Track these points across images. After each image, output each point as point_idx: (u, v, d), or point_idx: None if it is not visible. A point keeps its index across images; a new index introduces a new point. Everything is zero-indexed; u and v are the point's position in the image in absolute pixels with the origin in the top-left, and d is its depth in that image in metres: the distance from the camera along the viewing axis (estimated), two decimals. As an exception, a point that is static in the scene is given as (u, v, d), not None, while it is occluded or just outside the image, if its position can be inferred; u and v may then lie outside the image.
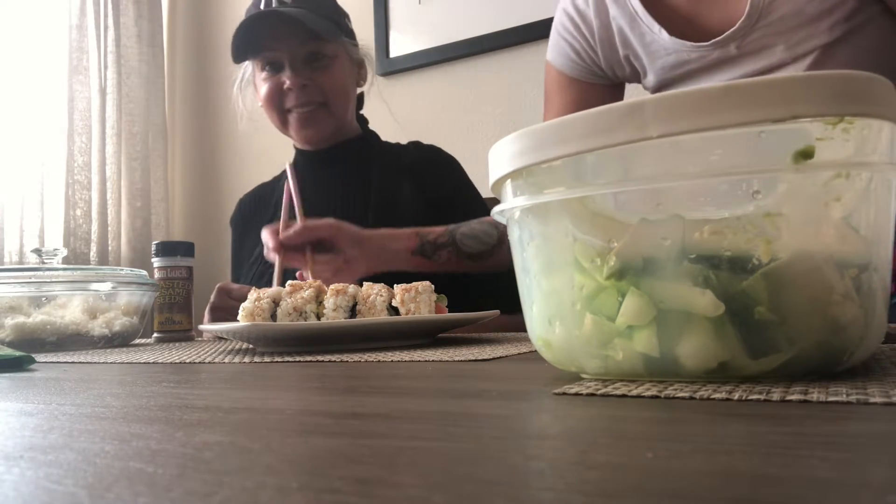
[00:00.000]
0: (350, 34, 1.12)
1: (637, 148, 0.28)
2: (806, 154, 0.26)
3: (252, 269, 1.11)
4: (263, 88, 1.07)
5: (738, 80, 0.27)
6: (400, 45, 1.83)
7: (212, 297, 0.95)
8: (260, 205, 1.21)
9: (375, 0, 1.85)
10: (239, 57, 1.08)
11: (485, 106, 1.73)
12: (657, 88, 0.89)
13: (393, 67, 1.82)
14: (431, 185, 1.12)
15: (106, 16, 2.05)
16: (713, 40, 0.78)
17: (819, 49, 0.74)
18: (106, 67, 2.04)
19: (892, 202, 0.29)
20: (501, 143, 0.33)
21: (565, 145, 0.29)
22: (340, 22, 1.10)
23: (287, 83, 1.04)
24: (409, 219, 1.05)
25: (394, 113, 1.32)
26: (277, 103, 1.07)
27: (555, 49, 0.96)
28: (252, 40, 1.04)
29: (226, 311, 0.92)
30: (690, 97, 0.27)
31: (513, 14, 1.67)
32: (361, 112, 1.20)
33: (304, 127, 1.07)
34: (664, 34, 0.81)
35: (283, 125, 1.09)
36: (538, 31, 1.63)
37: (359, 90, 1.17)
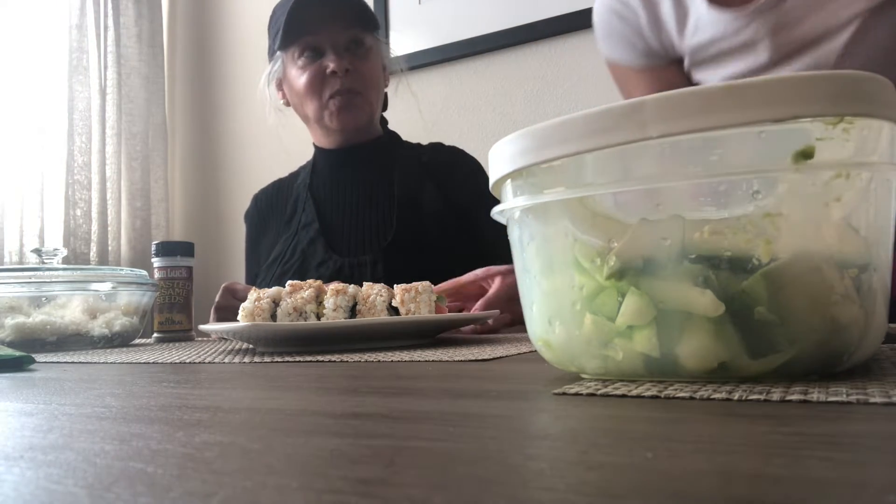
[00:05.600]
0: (380, 33, 1.14)
1: (637, 148, 0.28)
2: (806, 154, 0.26)
3: (272, 269, 1.11)
4: (303, 78, 1.07)
5: (738, 80, 0.27)
6: (400, 45, 1.83)
7: (217, 297, 0.95)
8: (276, 201, 1.20)
9: (375, 0, 1.85)
10: (285, 43, 1.07)
11: (485, 106, 1.73)
12: (688, 72, 0.87)
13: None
14: (454, 187, 1.12)
15: (106, 16, 2.05)
16: (753, 6, 0.76)
17: (862, 15, 0.71)
18: (106, 67, 2.04)
19: (892, 202, 0.29)
20: (501, 143, 0.33)
21: (565, 145, 0.29)
22: (376, 19, 1.13)
23: (331, 66, 1.04)
24: (433, 219, 1.05)
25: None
26: (319, 90, 1.07)
27: (608, 42, 0.92)
28: (301, 23, 1.05)
29: (231, 310, 0.92)
30: (690, 97, 0.27)
31: (513, 14, 1.67)
32: (383, 114, 1.21)
33: (343, 112, 1.07)
34: (703, 5, 0.79)
35: (321, 113, 1.08)
36: (538, 31, 1.63)
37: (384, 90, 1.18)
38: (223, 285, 0.96)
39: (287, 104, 1.15)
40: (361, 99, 1.08)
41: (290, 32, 1.06)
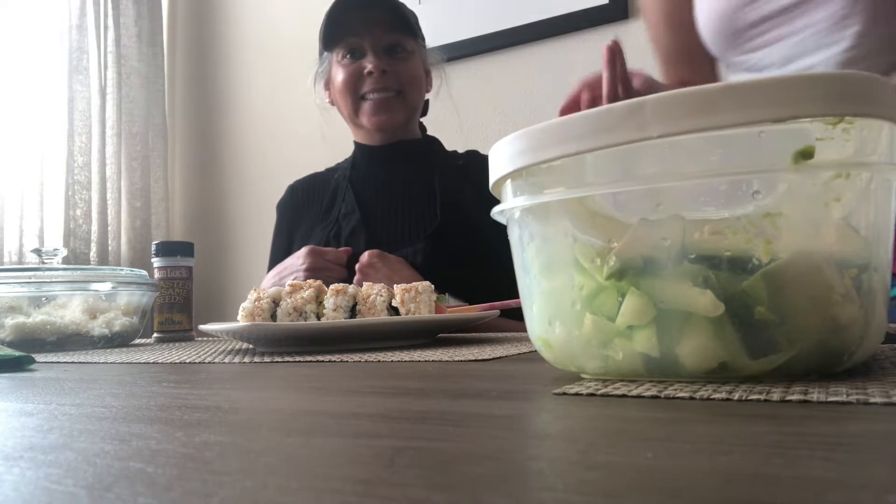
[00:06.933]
0: (423, 40, 1.17)
1: (637, 148, 0.28)
2: (806, 154, 0.26)
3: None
4: (341, 75, 1.10)
5: (738, 80, 0.27)
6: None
7: (303, 262, 0.96)
8: (312, 193, 1.22)
9: (375, 0, 1.86)
10: (329, 44, 1.11)
11: (485, 106, 1.73)
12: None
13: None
14: (489, 191, 1.13)
15: (106, 16, 2.05)
16: None
17: None
18: (106, 67, 2.04)
19: (892, 202, 0.29)
20: (501, 143, 0.33)
21: (565, 145, 0.29)
22: (419, 25, 1.16)
23: (368, 67, 1.07)
24: (473, 222, 1.06)
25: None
26: (354, 88, 1.09)
27: None
28: (343, 24, 1.08)
29: (323, 271, 0.94)
30: (690, 97, 0.27)
31: (513, 14, 1.66)
32: (422, 120, 1.22)
33: (378, 112, 1.09)
34: None
35: (355, 112, 1.11)
36: (538, 32, 1.63)
37: (426, 96, 1.19)
38: (306, 248, 0.97)
39: (332, 103, 1.17)
40: (399, 99, 1.10)
41: (333, 33, 1.09)
